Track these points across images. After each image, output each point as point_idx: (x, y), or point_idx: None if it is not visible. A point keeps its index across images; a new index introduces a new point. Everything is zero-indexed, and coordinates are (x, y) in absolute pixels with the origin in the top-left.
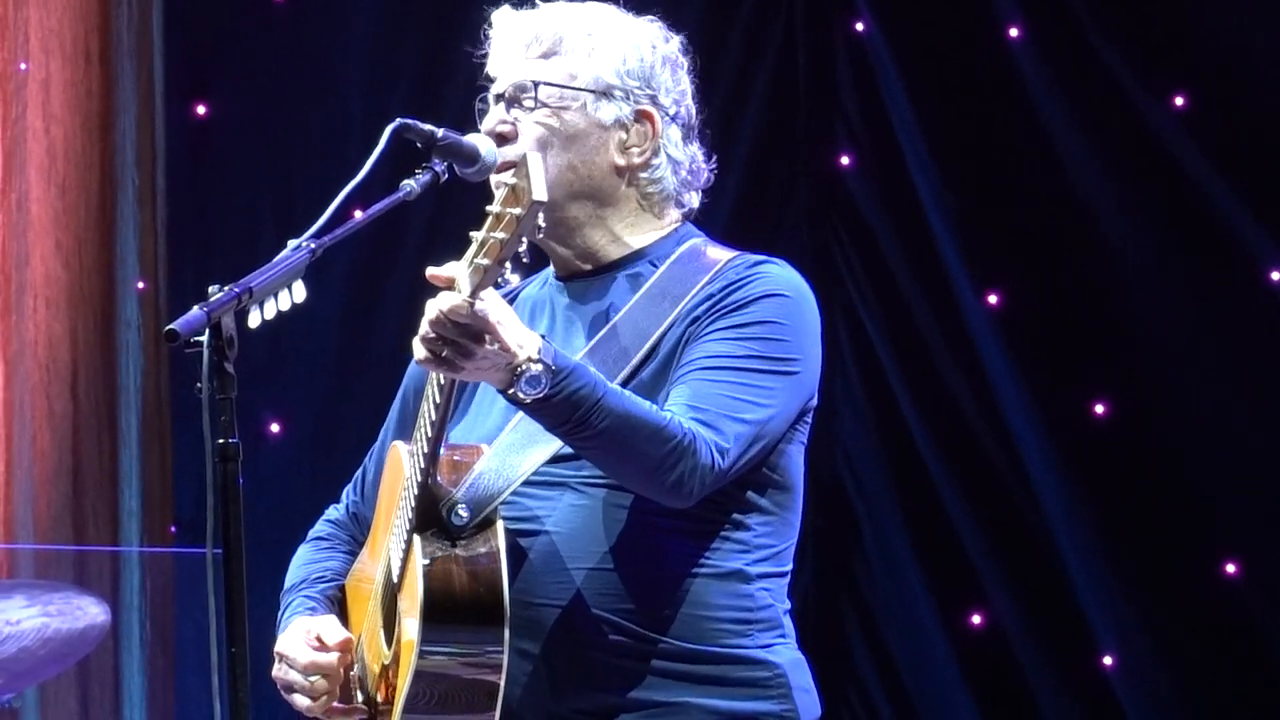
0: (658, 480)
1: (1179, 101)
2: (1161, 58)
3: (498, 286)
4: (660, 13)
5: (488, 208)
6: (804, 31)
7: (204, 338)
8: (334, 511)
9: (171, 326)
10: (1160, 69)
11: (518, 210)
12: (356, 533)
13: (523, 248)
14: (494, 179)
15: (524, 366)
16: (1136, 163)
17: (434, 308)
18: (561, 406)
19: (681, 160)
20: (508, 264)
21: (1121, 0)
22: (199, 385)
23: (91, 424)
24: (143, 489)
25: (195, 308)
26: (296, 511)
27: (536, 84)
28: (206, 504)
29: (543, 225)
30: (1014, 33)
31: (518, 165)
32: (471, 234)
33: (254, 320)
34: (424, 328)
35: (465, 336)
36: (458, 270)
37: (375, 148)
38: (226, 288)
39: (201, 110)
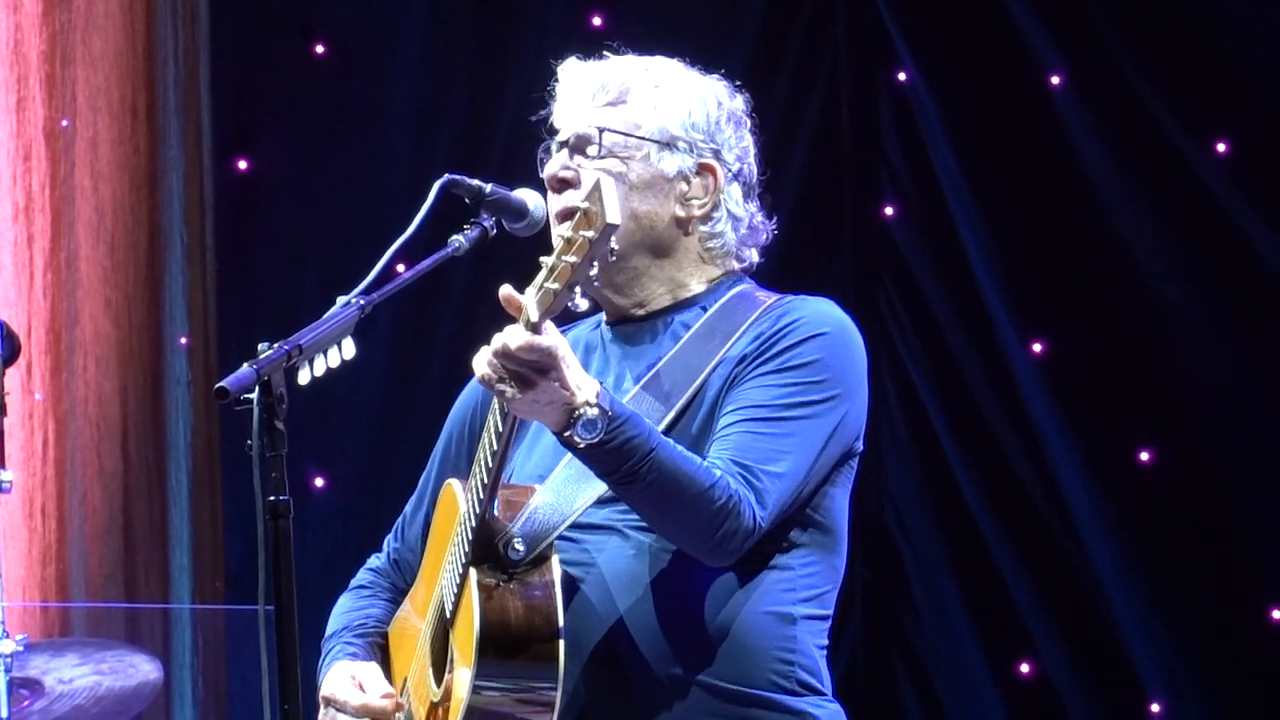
0: (700, 539)
1: (1221, 147)
2: (1204, 104)
3: (567, 311)
4: (704, 65)
5: (558, 231)
6: (847, 82)
7: (254, 395)
8: (376, 560)
9: (222, 384)
10: (1202, 115)
11: (590, 233)
12: (398, 580)
13: (583, 302)
14: (556, 230)
15: (581, 410)
16: (1180, 209)
17: (499, 341)
18: (614, 454)
19: (741, 216)
20: (577, 289)
21: (1163, 47)
22: (249, 442)
23: (142, 481)
24: (193, 545)
25: (245, 365)
26: (341, 566)
27: (602, 130)
28: (257, 560)
29: (615, 248)
30: (1055, 80)
31: (590, 189)
32: (542, 259)
33: (304, 377)
34: (488, 353)
35: (530, 369)
36: (526, 295)
37: (422, 202)
38: (276, 345)
39: (244, 165)
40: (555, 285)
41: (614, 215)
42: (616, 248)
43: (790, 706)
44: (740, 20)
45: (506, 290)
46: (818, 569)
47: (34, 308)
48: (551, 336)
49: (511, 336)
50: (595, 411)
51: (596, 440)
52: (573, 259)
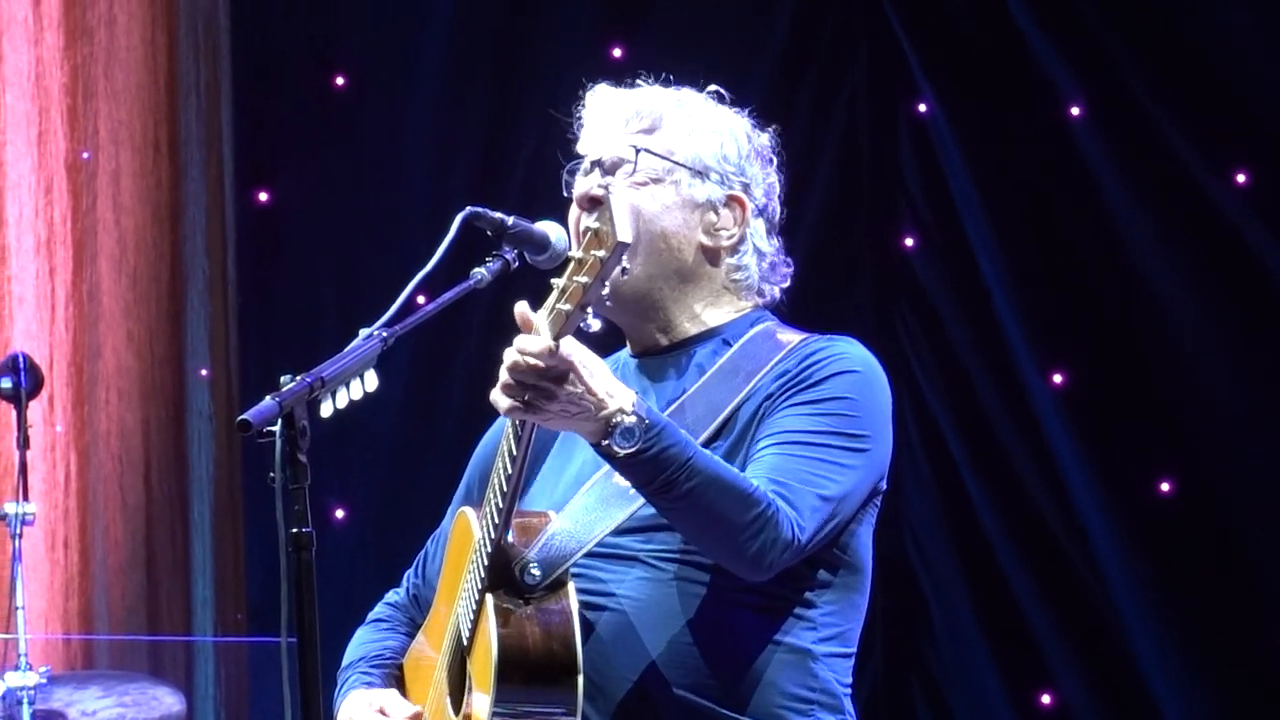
0: (739, 549)
1: (1241, 178)
2: (1223, 135)
3: (579, 333)
4: (725, 97)
5: (569, 253)
6: (868, 113)
7: (276, 427)
8: (394, 595)
9: (244, 417)
10: (1222, 146)
11: (601, 253)
12: (416, 615)
13: (595, 323)
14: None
15: (618, 418)
16: (1200, 240)
17: (511, 351)
18: (652, 463)
19: (766, 252)
20: (589, 310)
21: (1182, 78)
22: (272, 475)
23: (164, 514)
24: (215, 577)
25: (267, 398)
26: (362, 597)
27: (639, 151)
28: (279, 591)
29: (626, 268)
30: (1075, 112)
31: (600, 208)
32: (553, 280)
33: (326, 410)
34: (503, 374)
35: (545, 379)
36: (538, 316)
37: (443, 234)
38: (298, 377)
39: (265, 197)
40: (567, 306)
41: (625, 234)
42: (628, 266)
43: None
44: (761, 50)
45: (521, 307)
46: (840, 607)
47: (56, 340)
48: (571, 346)
49: (521, 341)
50: (633, 419)
51: (635, 449)
52: (584, 279)
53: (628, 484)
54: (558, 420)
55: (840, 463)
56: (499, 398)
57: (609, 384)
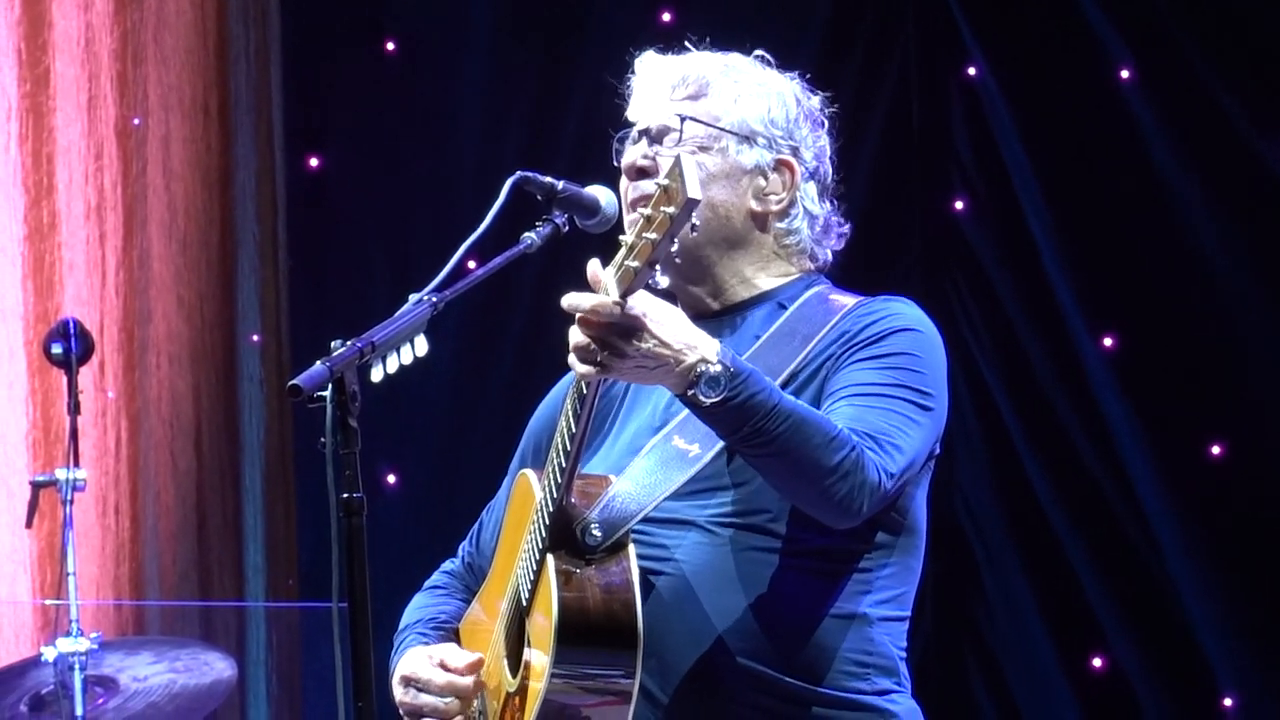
0: (827, 493)
1: None
2: (1273, 96)
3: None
4: (774, 62)
5: (639, 210)
6: (917, 77)
7: (327, 393)
8: (450, 564)
9: (294, 382)
10: (1271, 107)
11: (671, 209)
12: (471, 583)
13: (663, 280)
14: (629, 218)
15: (701, 368)
16: (1250, 203)
17: (577, 308)
18: (738, 411)
19: (817, 214)
20: (657, 267)
21: (1233, 40)
22: (322, 440)
23: (215, 479)
24: (266, 543)
25: (318, 363)
26: (414, 563)
27: (684, 119)
28: (330, 557)
29: (696, 224)
30: (1125, 74)
31: (670, 167)
32: (620, 238)
33: (376, 375)
34: (572, 334)
35: (615, 334)
36: (605, 273)
37: (493, 199)
38: (349, 342)
39: (315, 162)
40: (635, 263)
41: (694, 190)
42: (698, 224)
43: (867, 704)
44: (810, 16)
45: (594, 265)
46: (896, 570)
47: (107, 306)
48: (639, 299)
49: (585, 299)
50: (718, 369)
51: (721, 398)
52: (653, 235)
53: (688, 447)
54: (635, 375)
55: (912, 416)
56: (573, 360)
57: (688, 334)
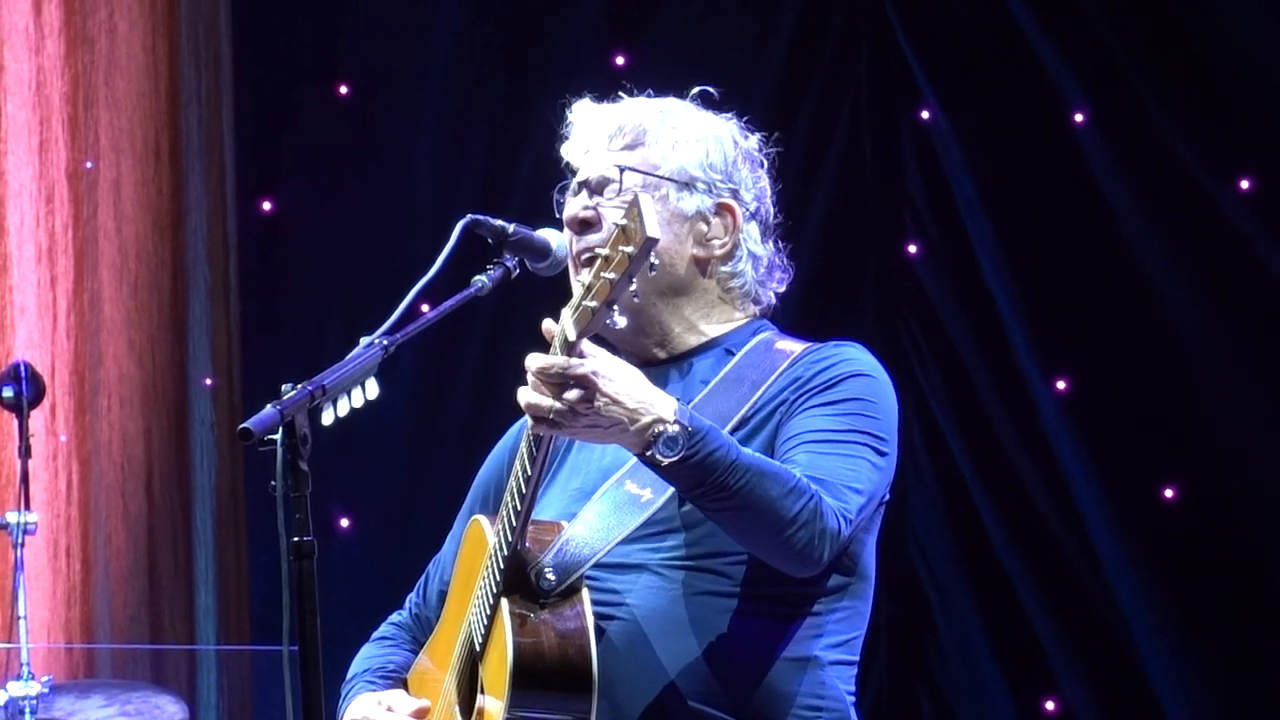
0: (788, 543)
1: (1245, 184)
2: (1227, 141)
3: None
4: (727, 105)
5: (596, 249)
6: (870, 120)
7: (278, 436)
8: (397, 615)
9: (245, 425)
10: (1226, 152)
11: (629, 249)
12: (419, 634)
13: (621, 320)
14: (575, 278)
15: (659, 428)
16: (1204, 247)
17: (529, 369)
18: (699, 468)
19: (760, 255)
20: (615, 307)
21: (1187, 84)
22: (273, 483)
23: (167, 522)
24: (218, 586)
25: (268, 406)
26: (366, 605)
27: (623, 170)
28: (282, 600)
29: (655, 263)
30: (1079, 118)
31: (629, 206)
32: (577, 279)
33: (327, 418)
34: (523, 394)
35: (565, 394)
36: (563, 314)
37: (445, 242)
38: (300, 385)
39: (267, 206)
40: (593, 303)
41: (653, 230)
42: (656, 263)
43: None
44: (763, 59)
45: (548, 324)
46: (847, 614)
47: (58, 349)
48: (591, 359)
49: (533, 360)
50: (676, 429)
51: (680, 457)
52: (611, 275)
53: (640, 492)
54: (590, 434)
55: (869, 460)
56: (528, 416)
57: (641, 393)
